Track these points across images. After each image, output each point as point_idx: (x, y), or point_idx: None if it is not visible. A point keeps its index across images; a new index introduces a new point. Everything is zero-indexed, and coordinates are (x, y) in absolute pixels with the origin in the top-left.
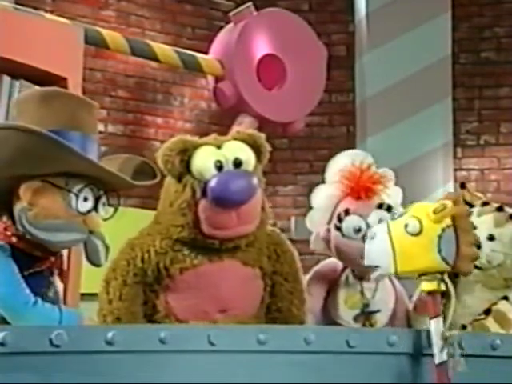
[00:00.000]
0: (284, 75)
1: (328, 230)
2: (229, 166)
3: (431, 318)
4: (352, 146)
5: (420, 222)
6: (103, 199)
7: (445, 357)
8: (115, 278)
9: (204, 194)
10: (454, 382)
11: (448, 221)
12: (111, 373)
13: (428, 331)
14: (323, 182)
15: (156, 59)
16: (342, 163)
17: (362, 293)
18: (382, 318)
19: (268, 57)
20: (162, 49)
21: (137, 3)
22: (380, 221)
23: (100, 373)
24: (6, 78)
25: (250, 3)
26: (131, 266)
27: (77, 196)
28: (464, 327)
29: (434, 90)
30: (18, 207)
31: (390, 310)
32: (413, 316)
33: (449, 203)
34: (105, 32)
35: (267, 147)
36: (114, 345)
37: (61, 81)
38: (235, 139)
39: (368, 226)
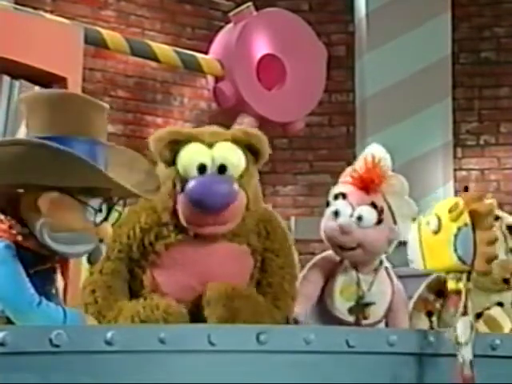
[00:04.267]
0: (284, 75)
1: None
2: (213, 170)
3: (451, 317)
4: (352, 146)
5: (439, 219)
6: (114, 208)
7: (470, 356)
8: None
9: (183, 190)
10: (454, 382)
11: (466, 219)
12: (111, 373)
13: (428, 331)
14: (323, 181)
15: (156, 59)
16: (365, 153)
17: (358, 284)
18: (377, 311)
19: (268, 57)
20: (162, 49)
21: (136, 3)
22: (360, 216)
23: (100, 373)
24: (6, 78)
25: (249, 3)
26: (117, 243)
27: (95, 210)
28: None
29: (433, 90)
30: (37, 220)
31: (386, 303)
32: (412, 313)
33: (460, 202)
34: (105, 32)
35: (266, 149)
36: (114, 345)
37: (61, 81)
38: (232, 139)
39: (352, 216)
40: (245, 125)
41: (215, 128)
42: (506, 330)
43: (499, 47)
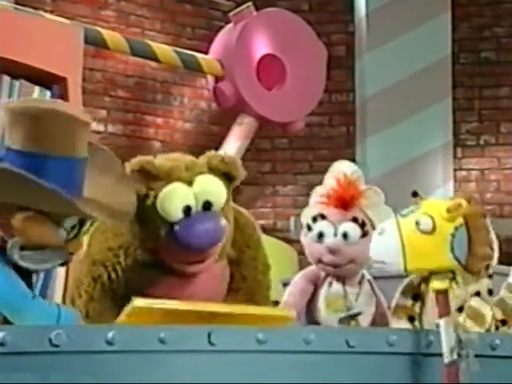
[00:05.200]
0: (284, 75)
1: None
2: (198, 208)
3: (441, 317)
4: (352, 146)
5: (433, 219)
6: (87, 223)
7: (455, 356)
8: (79, 296)
9: (168, 235)
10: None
11: (460, 219)
12: (111, 373)
13: (428, 331)
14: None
15: (156, 59)
16: (334, 171)
17: (345, 297)
18: (364, 321)
19: (268, 57)
20: (162, 49)
21: (136, 3)
22: (345, 233)
23: (100, 373)
24: (6, 78)
25: (249, 3)
26: (98, 284)
27: (71, 227)
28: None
29: (433, 90)
30: (10, 237)
31: (371, 313)
32: (393, 321)
33: (464, 202)
34: (105, 32)
35: (241, 174)
36: (114, 345)
37: (61, 81)
38: (209, 169)
39: (336, 234)
40: (245, 125)
41: (189, 159)
42: (488, 318)
43: (499, 47)
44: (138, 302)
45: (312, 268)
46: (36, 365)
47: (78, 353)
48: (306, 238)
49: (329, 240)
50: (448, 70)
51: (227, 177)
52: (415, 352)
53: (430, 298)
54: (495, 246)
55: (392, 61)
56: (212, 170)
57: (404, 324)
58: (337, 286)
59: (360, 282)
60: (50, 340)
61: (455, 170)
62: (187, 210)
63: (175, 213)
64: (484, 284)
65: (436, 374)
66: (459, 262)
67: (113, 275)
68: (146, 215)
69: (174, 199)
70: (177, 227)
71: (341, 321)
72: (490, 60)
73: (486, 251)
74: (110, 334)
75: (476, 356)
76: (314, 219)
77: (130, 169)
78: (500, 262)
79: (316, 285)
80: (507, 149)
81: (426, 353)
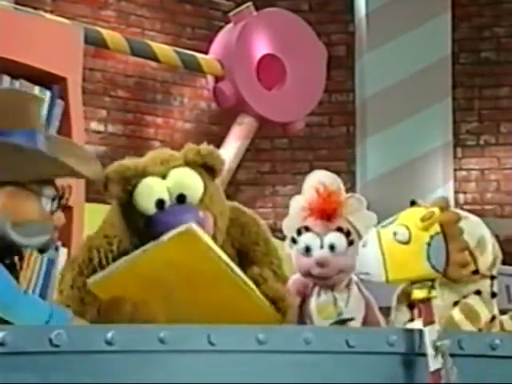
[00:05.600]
0: (284, 75)
1: (289, 245)
2: (172, 201)
3: (425, 326)
4: (352, 146)
5: (408, 229)
6: (65, 195)
7: (439, 364)
8: (72, 269)
9: (145, 228)
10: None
11: (436, 227)
12: (111, 373)
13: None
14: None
15: (156, 59)
16: (313, 181)
17: (335, 303)
18: (355, 326)
19: (268, 57)
20: (162, 49)
21: (137, 3)
22: (332, 244)
23: (100, 373)
24: (6, 78)
25: (249, 3)
26: (91, 265)
27: (52, 199)
28: None
29: (433, 90)
30: None
31: (361, 317)
32: (394, 307)
33: (436, 210)
34: (105, 32)
35: (221, 163)
36: (114, 344)
37: (61, 81)
38: (185, 163)
39: (322, 246)
40: (245, 125)
41: (166, 153)
42: (484, 319)
43: (499, 47)
44: (90, 279)
45: (298, 276)
46: (36, 365)
47: (77, 353)
48: (293, 251)
49: (316, 253)
50: (448, 70)
51: (207, 168)
52: (415, 352)
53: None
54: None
55: (392, 61)
56: (188, 163)
57: (404, 310)
58: (326, 293)
59: (348, 286)
60: (50, 340)
61: (455, 169)
62: (160, 203)
63: (149, 206)
64: (486, 284)
65: None
66: (437, 271)
67: (103, 262)
68: (128, 210)
69: (147, 193)
70: (152, 220)
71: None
72: (490, 60)
73: (463, 258)
74: (109, 334)
75: (476, 356)
76: (299, 232)
77: (107, 176)
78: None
79: (305, 294)
80: (507, 149)
81: (426, 353)
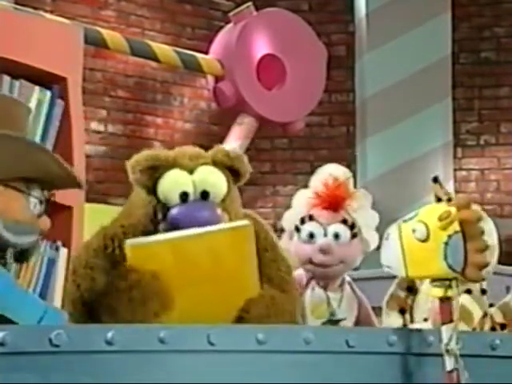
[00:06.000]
0: (284, 75)
1: (289, 237)
2: (195, 196)
3: (442, 324)
4: (352, 146)
5: (427, 227)
6: (50, 200)
7: (453, 365)
8: (87, 252)
9: (165, 217)
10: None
11: (456, 226)
12: (111, 373)
13: (428, 331)
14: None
15: (156, 59)
16: (323, 173)
17: (328, 303)
18: (347, 325)
19: (268, 57)
20: (162, 49)
21: (137, 3)
22: (336, 233)
23: (100, 373)
24: (6, 78)
25: (249, 3)
26: (106, 251)
27: (39, 200)
28: None
29: (433, 89)
30: None
31: (353, 317)
32: (385, 312)
33: (453, 210)
34: (105, 32)
35: (247, 169)
36: (114, 344)
37: (61, 81)
38: (213, 162)
39: (326, 235)
40: (245, 125)
41: (195, 150)
42: (476, 318)
43: (499, 47)
44: (129, 241)
45: (295, 273)
46: (36, 365)
47: (77, 353)
48: (292, 242)
49: (320, 240)
50: (448, 70)
51: (232, 172)
52: (415, 352)
53: (423, 292)
54: (495, 250)
55: (392, 61)
56: (216, 163)
57: (395, 316)
58: (319, 292)
59: (341, 286)
60: (50, 340)
61: (455, 170)
62: (184, 195)
63: (172, 197)
64: (476, 283)
65: (436, 374)
66: (454, 271)
67: (117, 251)
68: (150, 198)
69: (173, 184)
70: (172, 211)
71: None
72: (490, 60)
73: (482, 258)
74: (109, 334)
75: (476, 356)
76: (302, 220)
77: (137, 162)
78: (500, 262)
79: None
80: (507, 149)
81: (426, 353)
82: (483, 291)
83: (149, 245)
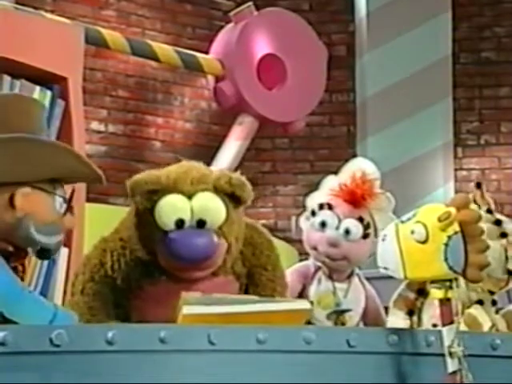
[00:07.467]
0: (284, 75)
1: (306, 218)
2: (191, 223)
3: (443, 326)
4: (352, 146)
5: (426, 228)
6: (72, 197)
7: (456, 366)
8: (83, 273)
9: (161, 241)
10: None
11: (455, 227)
12: (111, 372)
13: (428, 331)
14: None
15: (156, 59)
16: (354, 166)
17: (334, 293)
18: (353, 317)
19: (268, 56)
20: (163, 48)
21: (137, 3)
22: (347, 229)
23: (100, 372)
24: (7, 78)
25: (250, 3)
26: (102, 269)
27: (63, 199)
28: None
29: (434, 89)
30: (13, 217)
31: (360, 308)
32: (391, 311)
33: (453, 210)
34: (105, 32)
35: (248, 195)
36: (115, 344)
37: (61, 80)
38: (214, 188)
39: (338, 228)
40: (245, 124)
41: (199, 171)
42: (486, 329)
43: (499, 47)
44: (186, 309)
45: (302, 264)
46: (37, 364)
47: (78, 353)
48: (307, 224)
49: (330, 232)
50: (448, 70)
51: (234, 198)
52: (415, 352)
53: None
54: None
55: (392, 61)
56: (217, 188)
57: (402, 316)
58: (326, 283)
59: (349, 277)
60: (51, 340)
61: (456, 169)
62: (180, 222)
63: (168, 222)
64: (488, 296)
65: (436, 375)
66: (455, 272)
67: (115, 265)
68: (146, 218)
69: (170, 210)
70: (168, 237)
71: (328, 317)
72: (490, 60)
73: (482, 259)
74: (110, 334)
75: (476, 356)
76: (321, 206)
77: (136, 183)
78: None
79: (305, 282)
80: (508, 148)
81: (426, 353)
82: (494, 302)
83: (204, 316)
